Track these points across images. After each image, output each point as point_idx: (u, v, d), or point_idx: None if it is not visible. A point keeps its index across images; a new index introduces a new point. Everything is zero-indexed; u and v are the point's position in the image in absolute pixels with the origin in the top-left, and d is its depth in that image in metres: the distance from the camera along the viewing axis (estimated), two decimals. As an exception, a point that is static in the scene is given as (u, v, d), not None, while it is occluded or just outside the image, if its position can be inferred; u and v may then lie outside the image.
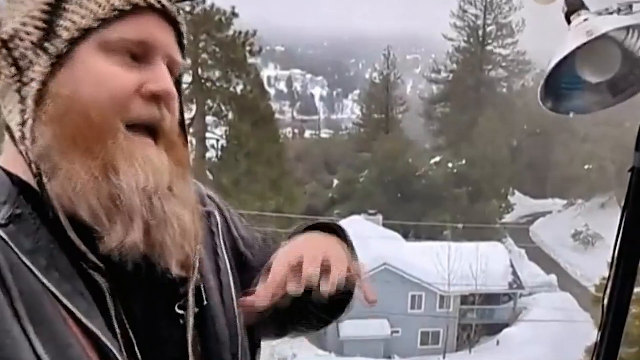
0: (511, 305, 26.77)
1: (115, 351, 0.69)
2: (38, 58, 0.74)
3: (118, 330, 0.72)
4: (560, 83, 1.07)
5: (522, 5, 42.34)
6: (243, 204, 19.95)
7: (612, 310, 1.27)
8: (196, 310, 0.83)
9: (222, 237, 0.95)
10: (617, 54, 1.01)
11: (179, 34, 0.83)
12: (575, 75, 1.04)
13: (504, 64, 45.52)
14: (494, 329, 25.62)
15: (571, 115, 1.10)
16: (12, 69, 0.75)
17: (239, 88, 24.33)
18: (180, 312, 0.81)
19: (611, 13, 1.02)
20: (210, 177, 23.29)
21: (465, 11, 44.17)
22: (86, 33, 0.74)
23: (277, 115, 33.62)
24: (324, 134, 77.72)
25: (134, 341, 0.74)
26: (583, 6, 1.05)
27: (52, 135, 0.72)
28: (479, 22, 44.19)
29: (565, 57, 1.00)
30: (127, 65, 0.75)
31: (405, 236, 29.83)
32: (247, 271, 0.95)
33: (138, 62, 0.77)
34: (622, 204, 1.17)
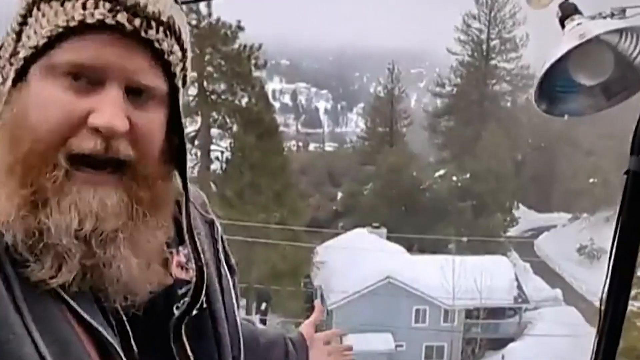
0: (516, 320, 26.54)
1: (117, 348, 0.70)
2: (9, 72, 0.72)
3: (114, 323, 0.72)
4: (554, 86, 1.07)
5: (526, 19, 42.56)
6: (247, 216, 19.97)
7: (608, 319, 1.26)
8: (195, 312, 0.83)
9: (222, 245, 0.97)
10: (610, 57, 1.02)
11: (159, 53, 0.72)
12: (569, 78, 1.05)
13: (508, 78, 45.59)
14: (499, 343, 25.39)
15: (565, 117, 1.11)
16: (0, 78, 0.74)
17: (244, 101, 24.50)
18: (177, 313, 0.82)
19: (605, 17, 1.03)
20: (215, 189, 23.35)
21: (469, 26, 44.38)
22: (36, 52, 0.69)
23: (281, 128, 33.70)
24: (329, 147, 77.84)
25: (131, 335, 0.74)
26: (577, 11, 1.06)
27: None
28: (483, 36, 44.37)
29: (559, 61, 1.01)
30: (74, 91, 0.68)
31: (410, 249, 29.70)
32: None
33: (91, 85, 0.69)
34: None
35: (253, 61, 24.44)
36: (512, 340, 25.78)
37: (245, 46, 24.05)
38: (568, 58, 1.01)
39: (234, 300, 0.92)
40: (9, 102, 0.71)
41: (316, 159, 53.77)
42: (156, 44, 0.71)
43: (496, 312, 25.59)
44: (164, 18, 0.72)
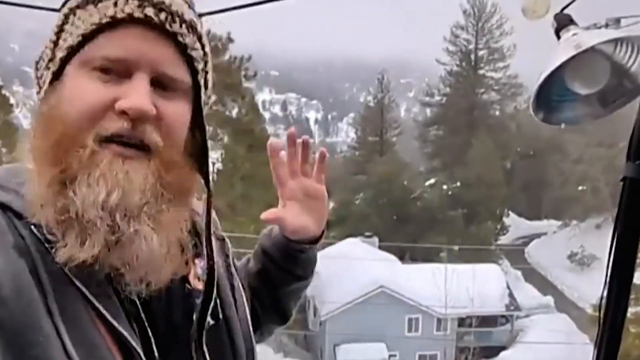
0: (508, 328, 26.57)
1: (141, 353, 0.71)
2: (47, 77, 0.78)
3: (136, 329, 0.74)
4: (551, 95, 1.09)
5: (513, 30, 43.06)
6: (239, 227, 19.89)
7: (607, 326, 1.27)
8: (212, 322, 0.85)
9: (233, 259, 1.00)
10: (605, 66, 1.04)
11: (183, 47, 0.77)
12: (565, 87, 1.07)
13: (496, 87, 46.00)
14: (492, 351, 25.36)
15: (562, 126, 1.13)
16: (37, 88, 0.80)
17: (235, 112, 24.49)
18: (195, 316, 0.84)
19: (599, 28, 1.05)
20: (206, 200, 23.24)
21: (457, 36, 44.81)
22: (72, 51, 0.75)
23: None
24: (319, 157, 77.95)
25: (153, 343, 0.76)
26: (572, 22, 1.08)
27: (31, 150, 0.74)
28: (471, 46, 44.80)
29: (556, 70, 1.03)
30: (105, 82, 0.73)
31: (402, 258, 29.71)
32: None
33: (119, 77, 0.74)
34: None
35: (243, 72, 24.47)
36: (504, 348, 25.78)
37: (235, 58, 24.09)
38: (564, 68, 1.03)
39: (247, 312, 0.93)
40: (45, 100, 0.76)
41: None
42: (179, 38, 0.76)
43: (488, 320, 25.60)
44: (186, 17, 0.78)
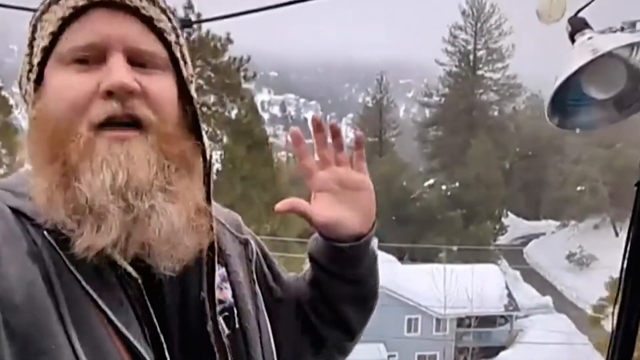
0: (507, 328, 26.59)
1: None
2: (30, 87, 0.78)
3: (149, 339, 0.73)
4: (566, 100, 1.08)
5: (512, 30, 43.13)
6: (238, 228, 19.91)
7: (620, 329, 1.26)
8: (227, 332, 0.83)
9: (257, 265, 0.95)
10: (622, 70, 1.03)
11: (149, 20, 0.77)
12: (581, 92, 1.06)
13: (495, 87, 46.08)
14: (491, 351, 25.39)
15: (577, 131, 1.12)
16: (25, 104, 0.80)
17: (234, 112, 24.49)
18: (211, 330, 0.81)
19: (615, 31, 1.04)
20: (205, 201, 23.22)
21: (455, 37, 44.87)
22: (46, 52, 0.75)
23: (271, 139, 33.75)
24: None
25: (166, 350, 0.75)
26: (587, 25, 1.08)
27: (29, 155, 0.75)
28: (470, 47, 44.85)
29: (571, 75, 1.02)
30: (84, 72, 0.74)
31: (401, 259, 29.71)
32: (278, 305, 0.96)
33: (96, 64, 0.74)
34: (615, 224, 1.18)
35: (242, 73, 24.47)
36: (503, 348, 25.81)
37: (234, 58, 24.10)
38: (580, 72, 1.02)
39: (268, 321, 0.90)
40: (33, 106, 0.76)
41: (306, 169, 53.79)
42: (142, 11, 0.76)
43: (487, 320, 25.61)
44: None
